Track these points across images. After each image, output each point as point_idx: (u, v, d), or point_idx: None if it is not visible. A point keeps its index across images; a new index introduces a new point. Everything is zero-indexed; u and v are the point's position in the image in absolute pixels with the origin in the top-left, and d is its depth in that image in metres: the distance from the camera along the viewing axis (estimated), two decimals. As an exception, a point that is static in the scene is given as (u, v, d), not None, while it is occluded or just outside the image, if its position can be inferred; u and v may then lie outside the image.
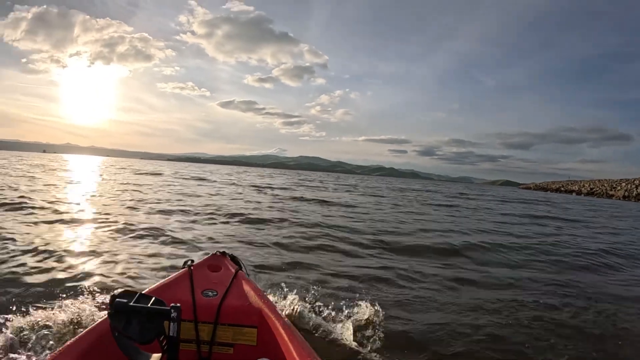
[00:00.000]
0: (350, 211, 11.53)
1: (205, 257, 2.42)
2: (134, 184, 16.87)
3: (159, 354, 1.38)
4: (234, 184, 23.17)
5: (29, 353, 2.06)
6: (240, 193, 16.23)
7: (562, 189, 78.40)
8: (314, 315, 2.85)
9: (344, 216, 10.09)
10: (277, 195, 16.32)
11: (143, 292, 1.49)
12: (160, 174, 29.18)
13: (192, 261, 2.27)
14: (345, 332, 2.67)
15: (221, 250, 2.48)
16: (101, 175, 24.15)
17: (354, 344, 2.57)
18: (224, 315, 1.93)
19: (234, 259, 2.45)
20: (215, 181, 24.61)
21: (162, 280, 2.12)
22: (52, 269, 3.85)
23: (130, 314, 1.31)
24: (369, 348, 2.56)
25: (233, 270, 2.24)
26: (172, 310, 1.34)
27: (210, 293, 2.03)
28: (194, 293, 1.99)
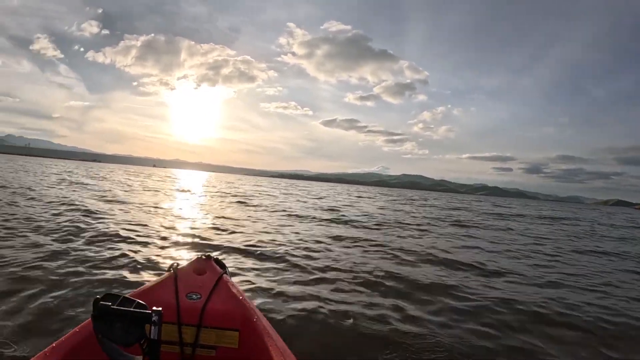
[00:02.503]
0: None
1: (191, 260, 2.44)
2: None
3: (141, 357, 1.40)
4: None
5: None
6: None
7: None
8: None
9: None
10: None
11: (127, 295, 1.52)
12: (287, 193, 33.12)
13: (178, 264, 2.34)
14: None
15: (206, 254, 2.50)
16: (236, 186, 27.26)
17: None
18: (207, 318, 2.01)
19: (218, 262, 2.47)
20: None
21: (148, 284, 2.20)
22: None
23: (113, 317, 1.37)
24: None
25: (217, 274, 2.29)
26: (153, 314, 1.39)
27: (194, 296, 2.10)
28: (178, 296, 2.07)
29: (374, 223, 11.52)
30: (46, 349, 1.46)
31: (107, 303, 1.36)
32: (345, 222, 11.26)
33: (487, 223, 15.29)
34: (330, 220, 11.59)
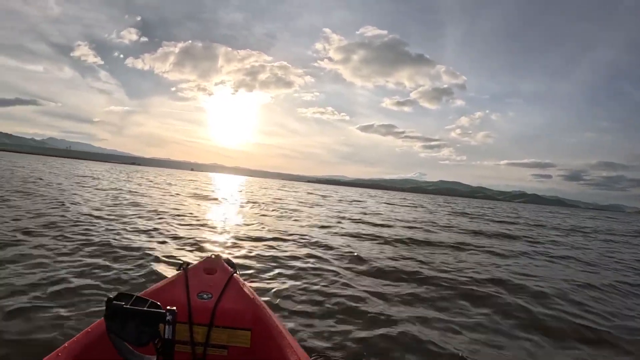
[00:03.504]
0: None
1: (201, 260, 2.47)
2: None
3: (154, 356, 1.42)
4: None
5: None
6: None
7: None
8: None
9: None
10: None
11: (139, 294, 1.54)
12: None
13: (188, 264, 2.36)
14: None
15: (216, 254, 2.54)
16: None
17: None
18: (219, 318, 2.03)
19: (228, 262, 2.50)
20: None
21: (158, 283, 2.21)
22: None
23: (127, 317, 1.37)
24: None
25: (228, 274, 2.32)
26: (168, 314, 1.40)
27: (205, 295, 2.12)
28: (189, 295, 2.08)
29: (437, 241, 9.80)
30: (58, 349, 1.48)
31: (120, 302, 1.38)
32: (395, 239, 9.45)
33: (567, 241, 12.89)
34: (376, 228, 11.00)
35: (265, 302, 2.33)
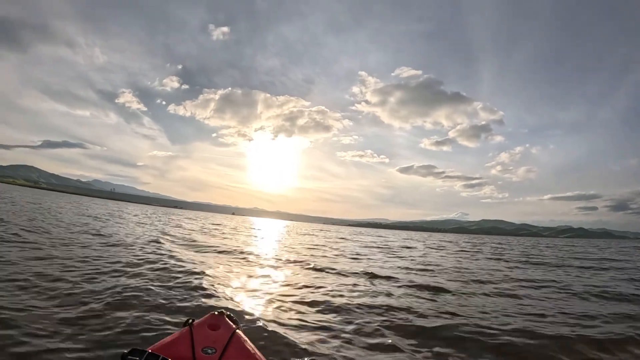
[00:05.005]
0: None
1: (205, 316, 2.60)
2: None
3: None
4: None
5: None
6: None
7: None
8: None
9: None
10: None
11: (150, 349, 1.83)
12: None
13: (193, 320, 2.50)
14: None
15: (219, 310, 2.67)
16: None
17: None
18: None
19: (231, 318, 2.61)
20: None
21: (166, 338, 2.36)
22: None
23: None
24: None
25: (231, 330, 2.44)
26: None
27: (209, 350, 2.23)
28: (195, 351, 2.20)
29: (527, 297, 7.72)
30: None
31: (134, 358, 1.68)
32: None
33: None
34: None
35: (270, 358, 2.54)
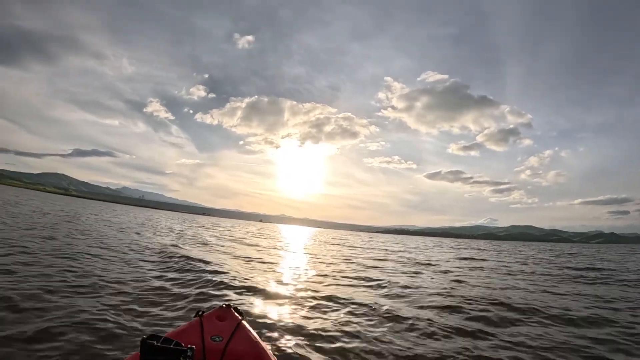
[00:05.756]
0: None
1: (214, 309, 2.95)
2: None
3: None
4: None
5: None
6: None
7: None
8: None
9: None
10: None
11: (165, 335, 2.12)
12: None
13: (203, 312, 2.83)
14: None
15: (227, 303, 3.01)
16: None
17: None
18: (228, 357, 2.49)
19: (237, 310, 2.93)
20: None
21: (180, 326, 2.74)
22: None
23: (157, 353, 1.91)
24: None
25: (236, 321, 2.78)
26: (188, 350, 1.94)
27: (217, 338, 2.57)
28: (204, 338, 2.54)
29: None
30: None
31: (152, 341, 1.94)
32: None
33: None
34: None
35: (271, 346, 3.04)
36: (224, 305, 2.93)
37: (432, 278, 11.29)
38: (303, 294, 7.01)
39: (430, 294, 8.11)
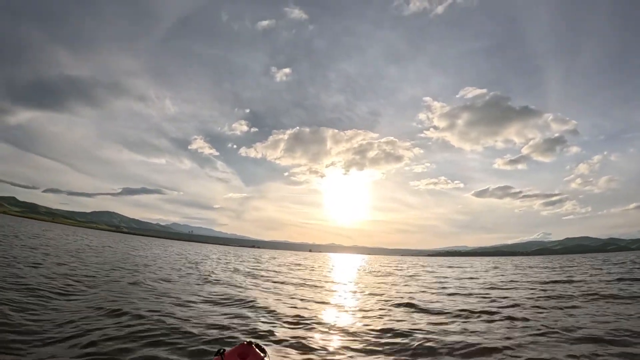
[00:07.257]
0: None
1: (235, 346, 2.82)
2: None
3: None
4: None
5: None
6: None
7: None
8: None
9: None
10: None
11: None
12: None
13: (224, 350, 2.68)
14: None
15: (249, 340, 2.89)
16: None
17: None
18: None
19: (259, 347, 2.82)
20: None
21: None
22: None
23: None
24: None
25: (259, 359, 2.66)
26: None
27: None
28: None
29: None
30: None
31: None
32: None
33: None
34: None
35: None
36: (245, 343, 2.79)
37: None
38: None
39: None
